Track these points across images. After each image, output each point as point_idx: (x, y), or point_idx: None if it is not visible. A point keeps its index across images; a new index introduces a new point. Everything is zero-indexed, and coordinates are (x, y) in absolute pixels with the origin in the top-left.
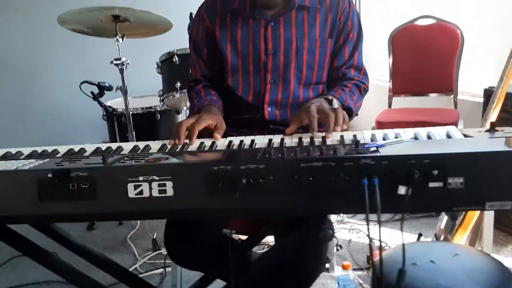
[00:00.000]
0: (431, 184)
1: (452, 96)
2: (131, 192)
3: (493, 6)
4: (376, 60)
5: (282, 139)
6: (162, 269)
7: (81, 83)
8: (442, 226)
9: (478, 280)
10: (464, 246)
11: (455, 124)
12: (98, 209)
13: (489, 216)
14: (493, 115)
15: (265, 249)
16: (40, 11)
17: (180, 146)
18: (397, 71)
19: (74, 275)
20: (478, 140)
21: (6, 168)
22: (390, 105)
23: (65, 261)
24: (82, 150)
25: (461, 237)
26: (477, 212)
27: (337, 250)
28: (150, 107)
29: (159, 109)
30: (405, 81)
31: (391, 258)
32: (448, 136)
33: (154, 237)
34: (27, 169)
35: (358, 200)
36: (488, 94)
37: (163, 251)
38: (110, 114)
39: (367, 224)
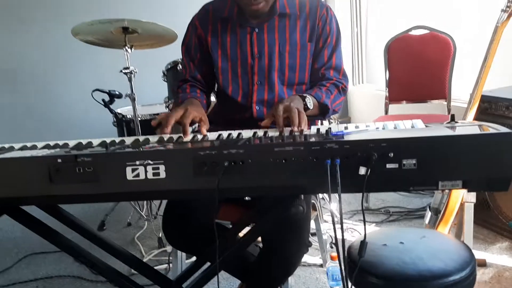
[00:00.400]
0: (388, 165)
1: (446, 102)
2: (129, 175)
3: (484, 16)
4: (377, 69)
5: (265, 132)
6: (166, 265)
7: (93, 91)
8: (427, 222)
9: (441, 257)
10: (433, 231)
11: None
12: (101, 190)
13: (469, 210)
14: (470, 115)
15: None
16: (55, 23)
17: (175, 138)
18: (393, 79)
19: (82, 253)
20: (434, 129)
21: (22, 155)
22: (386, 112)
23: (74, 242)
24: (90, 143)
25: (443, 230)
26: (456, 205)
27: (331, 247)
28: (157, 114)
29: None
30: (400, 88)
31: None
32: (412, 127)
33: (160, 235)
34: (40, 155)
35: (325, 180)
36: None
37: (168, 248)
38: (120, 120)
39: (329, 201)
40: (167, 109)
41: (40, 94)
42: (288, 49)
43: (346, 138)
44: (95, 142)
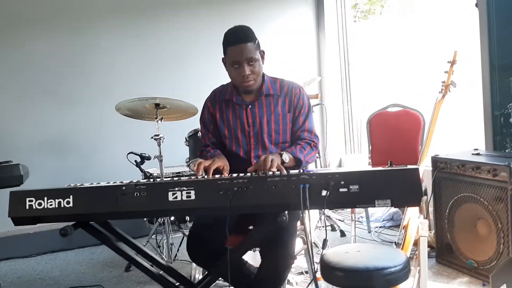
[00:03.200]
0: (341, 189)
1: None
2: (170, 197)
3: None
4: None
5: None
6: None
7: (128, 153)
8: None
9: (384, 259)
10: (386, 246)
11: None
12: (151, 208)
13: (423, 242)
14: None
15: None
16: (99, 101)
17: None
18: (374, 147)
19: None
20: (374, 168)
21: (97, 185)
22: None
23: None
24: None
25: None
26: (412, 238)
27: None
28: (179, 172)
29: (185, 174)
30: (380, 155)
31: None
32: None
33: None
34: (110, 185)
35: (300, 200)
36: (434, 160)
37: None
38: (149, 178)
39: (302, 213)
40: (188, 168)
41: (84, 159)
42: (273, 118)
43: (314, 172)
44: (143, 181)
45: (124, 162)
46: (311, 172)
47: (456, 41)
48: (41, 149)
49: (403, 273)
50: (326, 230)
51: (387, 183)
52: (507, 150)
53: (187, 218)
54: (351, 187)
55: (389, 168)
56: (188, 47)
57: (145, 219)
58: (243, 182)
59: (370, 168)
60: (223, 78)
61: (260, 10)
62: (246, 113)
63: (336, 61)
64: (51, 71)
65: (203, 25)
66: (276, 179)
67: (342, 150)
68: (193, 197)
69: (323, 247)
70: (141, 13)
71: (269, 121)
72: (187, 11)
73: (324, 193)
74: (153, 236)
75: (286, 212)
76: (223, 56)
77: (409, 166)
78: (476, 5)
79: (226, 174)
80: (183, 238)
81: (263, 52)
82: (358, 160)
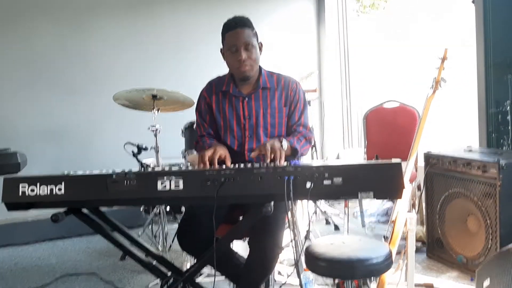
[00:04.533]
0: (325, 182)
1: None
2: (159, 186)
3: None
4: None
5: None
6: None
7: (125, 144)
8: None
9: (367, 250)
10: (371, 239)
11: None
12: (140, 196)
13: (411, 235)
14: (410, 163)
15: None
16: (97, 91)
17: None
18: (370, 141)
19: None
20: (359, 161)
21: (88, 173)
22: None
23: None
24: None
25: (393, 247)
26: (399, 232)
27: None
28: (174, 164)
29: (181, 165)
30: (375, 149)
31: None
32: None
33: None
34: (102, 173)
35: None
36: (426, 156)
37: None
38: (145, 169)
39: (287, 206)
40: (184, 159)
41: (82, 148)
42: (269, 112)
43: (300, 164)
44: (135, 169)
45: (121, 152)
46: (297, 164)
47: (451, 37)
48: (39, 138)
49: (385, 264)
50: (309, 221)
51: (370, 176)
52: (504, 148)
53: (183, 208)
54: (334, 179)
55: (373, 162)
56: (185, 40)
57: (141, 209)
58: (230, 174)
59: (355, 162)
60: (220, 70)
61: (260, 4)
62: (242, 105)
63: (336, 55)
64: (51, 61)
65: (201, 18)
66: (263, 171)
67: (340, 144)
68: (181, 186)
69: (306, 237)
70: (141, 4)
71: (265, 114)
72: (186, 3)
73: (308, 185)
74: (149, 226)
75: (272, 203)
76: (221, 47)
77: (392, 160)
78: (473, 1)
79: (229, 164)
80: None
81: (261, 44)
82: (356, 154)
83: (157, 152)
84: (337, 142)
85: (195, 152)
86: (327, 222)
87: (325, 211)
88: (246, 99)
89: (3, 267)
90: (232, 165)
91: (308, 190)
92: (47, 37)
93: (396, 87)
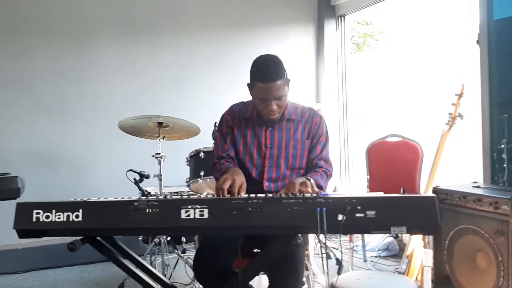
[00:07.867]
0: (357, 214)
1: None
2: (183, 215)
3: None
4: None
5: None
6: None
7: (127, 171)
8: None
9: (393, 285)
10: (395, 274)
11: None
12: (163, 225)
13: (427, 272)
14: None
15: None
16: (100, 117)
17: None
18: (372, 175)
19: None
20: (390, 195)
21: (108, 200)
22: None
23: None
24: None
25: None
26: (416, 265)
27: None
28: (177, 192)
29: (184, 194)
30: (378, 182)
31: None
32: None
33: None
34: (124, 200)
35: (316, 224)
36: (435, 191)
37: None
38: (146, 196)
39: (318, 236)
40: (188, 187)
41: (76, 175)
42: (292, 143)
43: (330, 196)
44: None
45: (119, 179)
46: (327, 195)
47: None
48: (34, 163)
49: None
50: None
51: (403, 210)
52: (499, 185)
53: (183, 239)
54: (367, 212)
55: (406, 195)
56: (189, 69)
57: (139, 238)
58: (258, 203)
59: (387, 195)
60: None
61: (262, 36)
62: (265, 134)
63: (334, 90)
64: (50, 85)
65: (205, 49)
66: (292, 201)
67: (337, 178)
68: (206, 215)
69: (339, 272)
70: (144, 31)
71: (288, 145)
72: (190, 36)
73: (340, 217)
74: (148, 256)
75: (300, 235)
76: (248, 82)
77: (426, 194)
78: (477, 42)
79: (242, 194)
80: (178, 259)
81: (289, 80)
82: (354, 188)
83: (160, 180)
84: (335, 175)
85: (200, 181)
86: (328, 257)
87: (325, 243)
88: (270, 128)
89: None
90: (258, 195)
91: (340, 222)
92: (44, 60)
93: (396, 120)
